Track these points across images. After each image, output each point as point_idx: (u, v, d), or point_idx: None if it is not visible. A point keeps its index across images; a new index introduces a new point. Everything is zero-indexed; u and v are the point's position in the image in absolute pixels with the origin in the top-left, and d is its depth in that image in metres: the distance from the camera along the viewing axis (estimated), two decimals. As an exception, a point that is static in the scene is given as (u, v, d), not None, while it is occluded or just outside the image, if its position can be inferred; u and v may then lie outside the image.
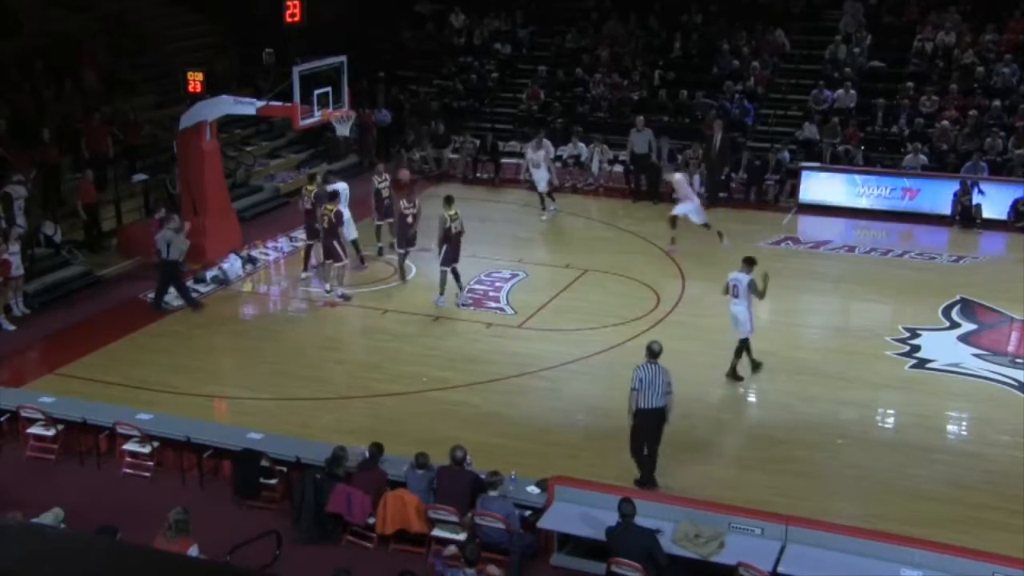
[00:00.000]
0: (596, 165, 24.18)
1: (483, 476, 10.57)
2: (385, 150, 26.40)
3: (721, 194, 23.00)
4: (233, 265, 18.54)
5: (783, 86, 25.74)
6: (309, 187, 18.58)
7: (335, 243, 17.08)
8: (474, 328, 16.26)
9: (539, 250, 20.05)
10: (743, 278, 14.03)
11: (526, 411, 13.59)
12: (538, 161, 21.88)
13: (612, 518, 9.75)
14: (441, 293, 16.92)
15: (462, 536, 10.41)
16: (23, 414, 12.58)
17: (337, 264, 17.21)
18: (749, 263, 14.15)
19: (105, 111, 21.40)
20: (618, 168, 24.27)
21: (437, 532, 10.56)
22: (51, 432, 12.47)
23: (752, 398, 14.63)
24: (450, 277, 16.92)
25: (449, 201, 17.12)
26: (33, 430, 12.54)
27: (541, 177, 21.86)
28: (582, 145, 24.49)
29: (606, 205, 23.33)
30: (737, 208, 22.57)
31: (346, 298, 17.28)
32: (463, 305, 16.95)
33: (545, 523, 10.30)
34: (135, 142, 21.74)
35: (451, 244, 16.78)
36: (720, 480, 11.79)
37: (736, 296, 14.07)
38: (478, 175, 25.28)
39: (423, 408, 13.58)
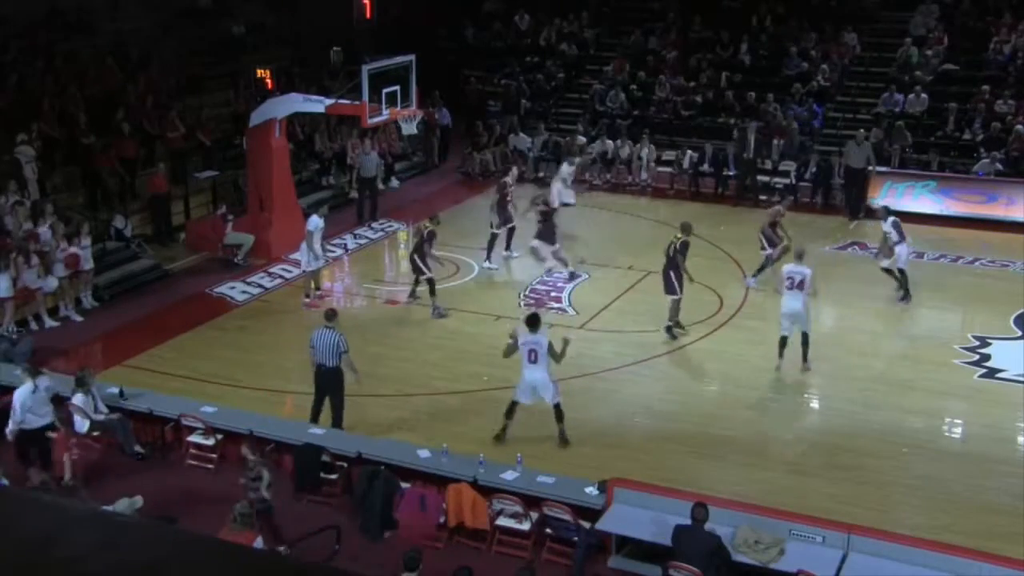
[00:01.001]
0: (645, 165, 24.15)
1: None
2: (445, 150, 26.58)
3: (762, 197, 22.87)
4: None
5: (852, 89, 25.39)
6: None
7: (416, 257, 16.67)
8: (535, 328, 16.22)
9: (601, 251, 19.93)
10: (806, 271, 14.09)
11: (586, 412, 13.51)
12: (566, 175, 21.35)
13: (671, 521, 9.68)
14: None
15: (526, 526, 10.45)
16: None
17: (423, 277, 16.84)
18: (803, 256, 14.48)
19: (176, 107, 21.78)
20: (665, 168, 24.23)
21: (502, 522, 10.62)
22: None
23: (815, 404, 14.45)
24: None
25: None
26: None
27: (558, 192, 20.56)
28: (630, 143, 24.58)
29: (664, 206, 23.17)
30: (803, 212, 22.27)
31: (442, 315, 16.70)
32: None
33: (604, 525, 10.26)
34: (207, 138, 22.08)
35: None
36: (781, 487, 11.63)
37: (797, 289, 14.06)
38: (540, 175, 25.29)
39: (484, 407, 13.58)
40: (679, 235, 15.73)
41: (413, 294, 17.20)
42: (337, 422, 12.55)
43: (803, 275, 14.07)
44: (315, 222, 17.32)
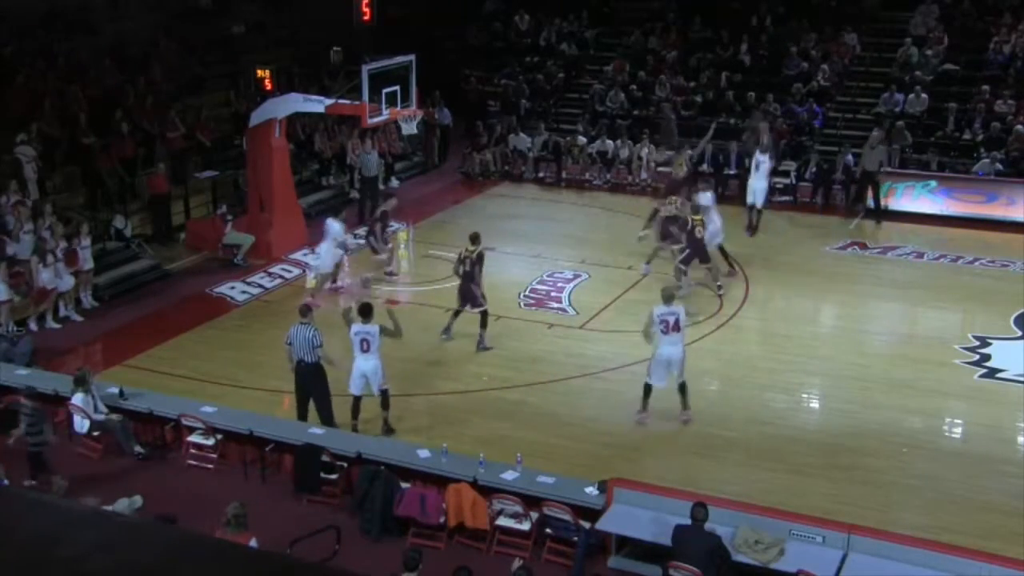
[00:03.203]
0: (645, 165, 24.16)
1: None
2: (445, 150, 26.58)
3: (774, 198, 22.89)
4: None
5: (852, 89, 25.38)
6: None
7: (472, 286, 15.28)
8: (536, 328, 16.24)
9: (601, 251, 19.93)
10: (679, 311, 12.79)
11: (586, 412, 13.54)
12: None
13: (671, 521, 9.68)
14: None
15: (526, 526, 10.46)
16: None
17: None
18: (673, 297, 13.15)
19: (176, 107, 21.77)
20: (665, 168, 24.21)
21: (502, 522, 10.63)
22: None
23: (816, 404, 14.44)
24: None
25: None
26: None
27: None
28: (630, 143, 24.58)
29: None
30: (804, 212, 22.28)
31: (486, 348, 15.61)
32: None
33: (604, 525, 10.26)
34: (207, 138, 22.07)
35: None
36: (782, 487, 11.63)
37: (674, 331, 12.66)
38: (540, 175, 25.30)
39: (483, 407, 13.61)
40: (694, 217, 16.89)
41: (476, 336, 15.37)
42: (327, 419, 12.60)
43: (677, 315, 12.68)
44: (336, 228, 17.49)
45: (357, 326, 12.58)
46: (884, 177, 21.99)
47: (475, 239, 15.26)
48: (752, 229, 19.77)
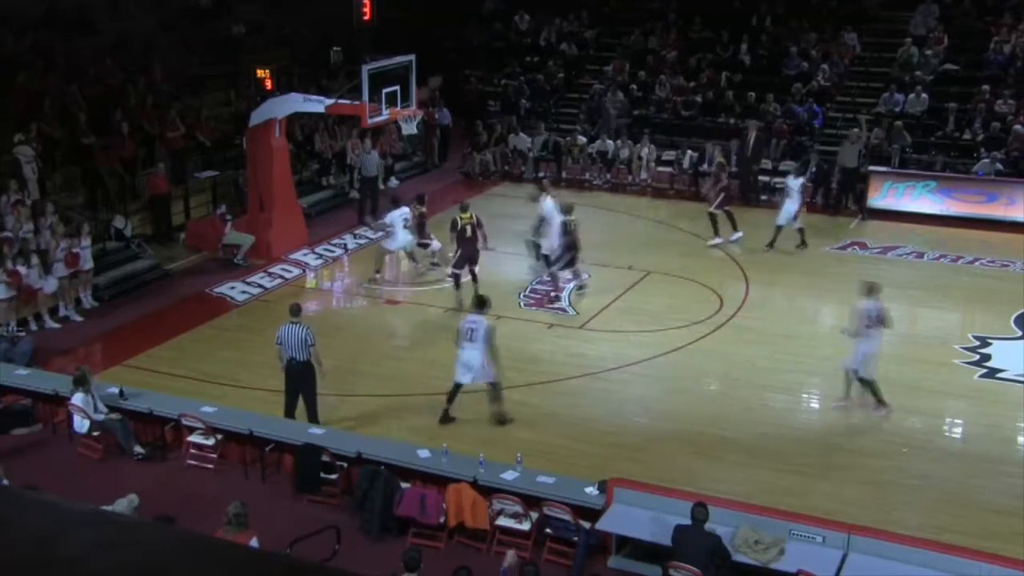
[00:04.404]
0: (645, 165, 24.16)
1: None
2: (445, 150, 26.58)
3: (763, 196, 22.91)
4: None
5: (852, 89, 25.39)
6: None
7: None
8: (536, 328, 16.25)
9: (601, 251, 19.90)
10: (881, 305, 13.15)
11: (586, 412, 13.54)
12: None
13: (671, 521, 9.67)
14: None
15: (526, 526, 10.45)
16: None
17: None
18: (876, 290, 13.36)
19: (176, 107, 21.76)
20: (665, 168, 24.21)
21: (502, 522, 10.63)
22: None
23: (815, 404, 14.44)
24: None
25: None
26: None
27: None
28: (630, 143, 24.58)
29: (664, 206, 23.17)
30: (804, 212, 22.23)
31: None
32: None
33: (604, 525, 10.26)
34: (207, 138, 22.05)
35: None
36: (782, 487, 11.63)
37: (876, 326, 13.02)
38: (540, 175, 25.29)
39: (484, 407, 13.58)
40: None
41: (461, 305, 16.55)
42: (312, 416, 12.68)
43: (879, 310, 13.03)
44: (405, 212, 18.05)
45: (469, 316, 12.89)
46: (883, 177, 22.01)
47: (466, 207, 17.02)
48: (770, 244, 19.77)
